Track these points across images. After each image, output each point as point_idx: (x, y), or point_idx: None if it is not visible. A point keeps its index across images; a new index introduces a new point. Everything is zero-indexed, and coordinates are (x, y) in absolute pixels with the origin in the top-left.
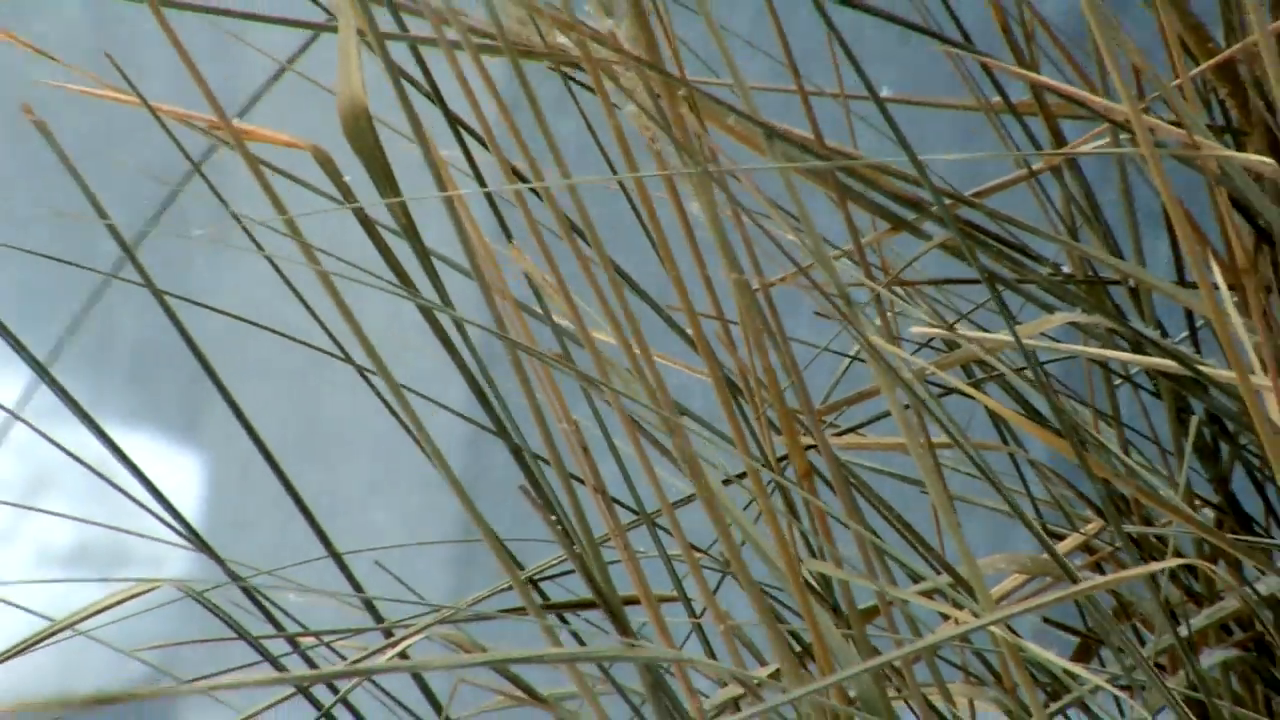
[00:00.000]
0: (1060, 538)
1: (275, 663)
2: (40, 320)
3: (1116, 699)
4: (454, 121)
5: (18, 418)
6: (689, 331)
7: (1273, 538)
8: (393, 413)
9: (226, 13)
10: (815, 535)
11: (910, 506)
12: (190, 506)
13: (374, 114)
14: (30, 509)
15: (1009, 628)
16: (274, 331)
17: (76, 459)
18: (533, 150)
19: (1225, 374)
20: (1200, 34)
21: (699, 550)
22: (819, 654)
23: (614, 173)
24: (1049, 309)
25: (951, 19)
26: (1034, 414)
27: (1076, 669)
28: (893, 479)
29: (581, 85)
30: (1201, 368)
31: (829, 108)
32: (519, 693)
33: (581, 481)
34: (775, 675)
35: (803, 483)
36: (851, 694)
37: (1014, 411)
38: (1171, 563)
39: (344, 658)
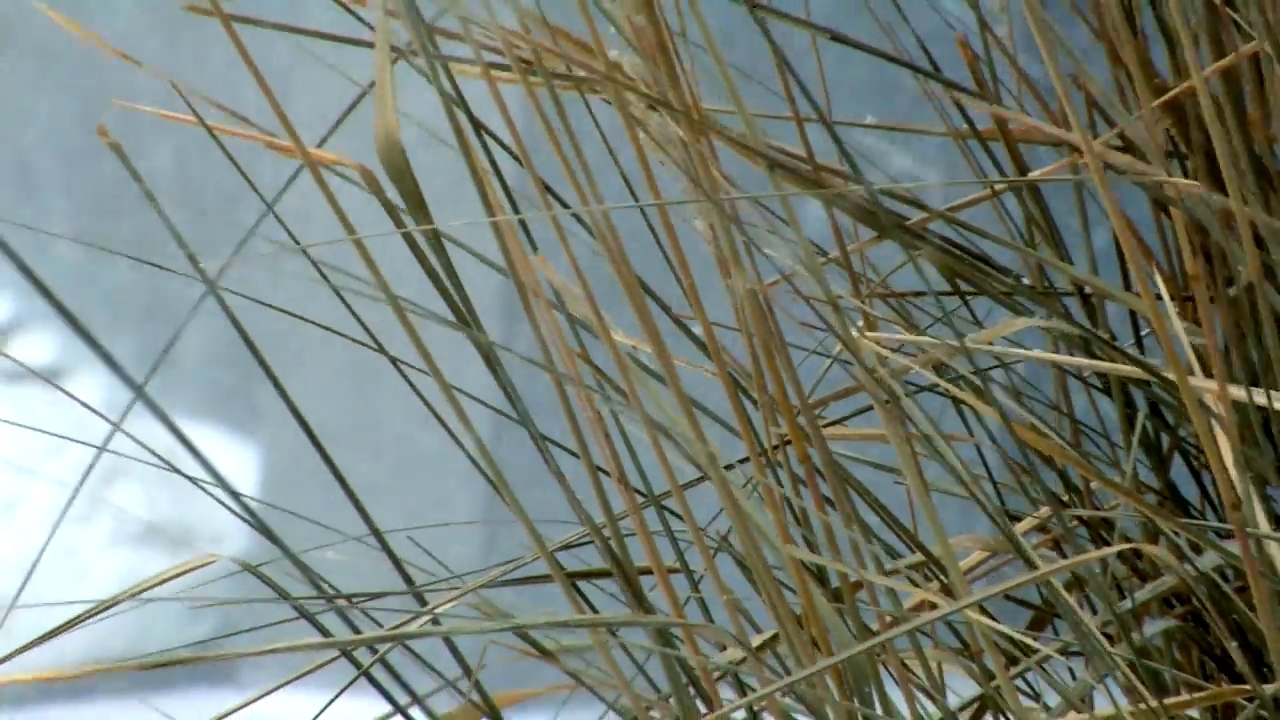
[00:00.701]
0: (1019, 519)
1: (321, 628)
2: (109, 320)
3: (1068, 665)
4: (487, 135)
5: (95, 412)
6: (696, 333)
7: (1207, 520)
8: (430, 409)
9: (302, 30)
10: (802, 517)
11: (885, 492)
12: (248, 490)
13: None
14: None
15: (980, 605)
16: (324, 328)
17: (147, 449)
18: (559, 168)
19: (1168, 371)
20: (1148, 72)
21: (702, 529)
22: (811, 622)
23: (626, 182)
24: (1016, 314)
25: (926, 57)
26: (998, 408)
27: (1033, 638)
28: (871, 467)
29: (603, 101)
30: (1148, 363)
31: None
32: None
33: (605, 472)
34: (771, 641)
35: (802, 464)
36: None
37: (980, 405)
38: (1118, 548)
39: (380, 625)
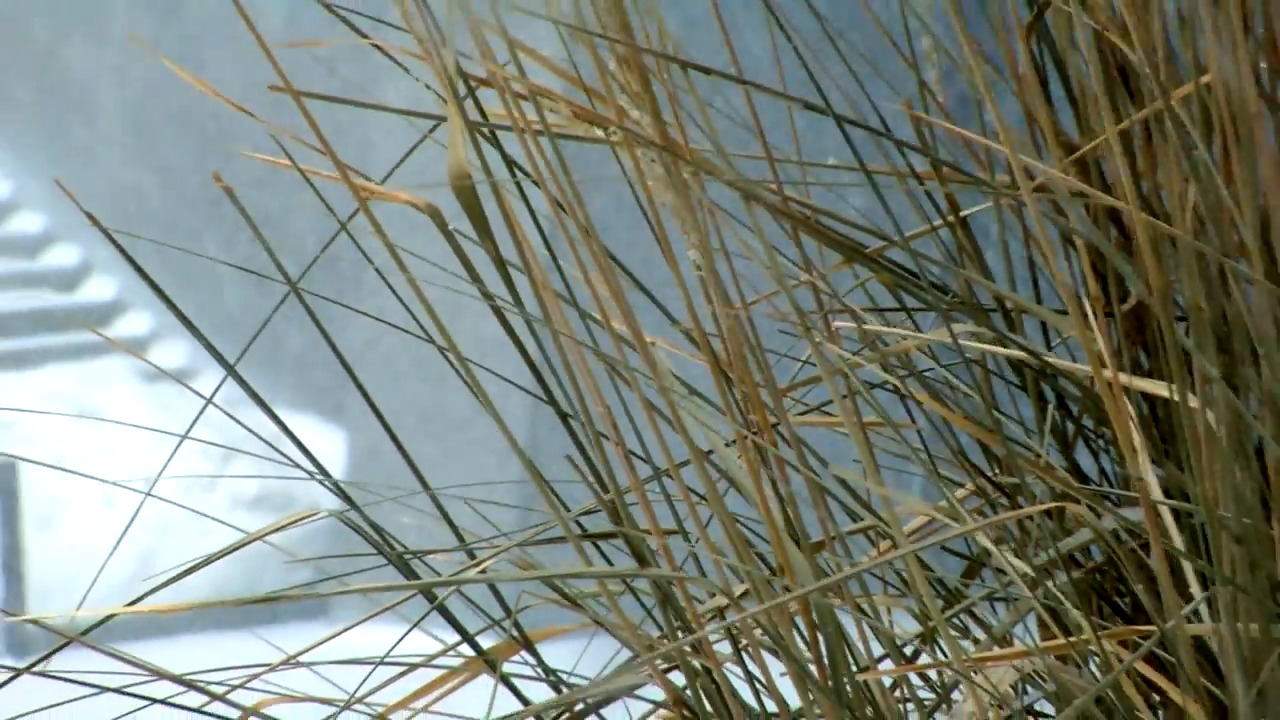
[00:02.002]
0: (959, 486)
1: (409, 572)
2: (226, 332)
3: (994, 607)
4: (518, 168)
5: (214, 404)
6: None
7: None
8: (481, 402)
9: (372, 105)
10: (782, 488)
11: (846, 467)
12: (338, 467)
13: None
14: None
15: (918, 557)
16: (400, 329)
17: (255, 434)
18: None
19: (1074, 366)
20: (1056, 129)
21: (698, 495)
22: (785, 569)
23: (640, 206)
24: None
25: (877, 116)
26: (938, 399)
27: (965, 585)
28: (835, 450)
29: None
30: (1056, 363)
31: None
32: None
33: (615, 443)
34: (749, 593)
35: (770, 444)
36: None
37: (922, 396)
38: (1041, 507)
39: (438, 573)
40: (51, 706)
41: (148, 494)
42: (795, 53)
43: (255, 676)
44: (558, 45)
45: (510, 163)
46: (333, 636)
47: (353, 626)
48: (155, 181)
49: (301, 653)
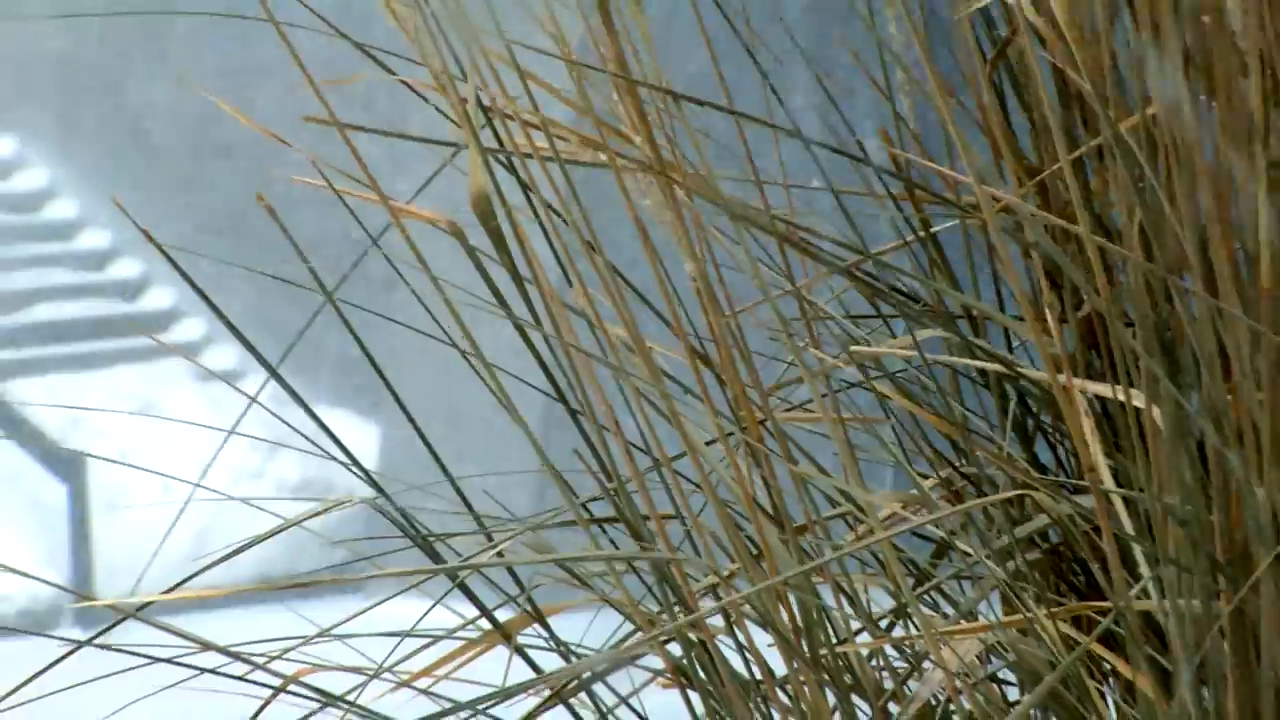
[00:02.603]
0: (928, 476)
1: (433, 554)
2: (271, 337)
3: (960, 585)
4: (540, 197)
5: (260, 404)
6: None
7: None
8: (500, 400)
9: (400, 135)
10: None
11: (826, 460)
12: (371, 459)
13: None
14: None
15: (892, 541)
16: (427, 335)
17: (295, 430)
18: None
19: (1035, 372)
20: (1019, 156)
21: (692, 484)
22: (766, 553)
23: (641, 229)
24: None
25: (855, 139)
26: (910, 397)
27: (934, 566)
28: (816, 444)
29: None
30: (1019, 368)
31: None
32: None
33: (629, 444)
34: (738, 572)
35: (756, 439)
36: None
37: (895, 394)
38: (1004, 495)
39: (460, 554)
40: (112, 675)
41: (199, 483)
42: (772, 87)
43: (294, 649)
44: (567, 79)
45: (524, 185)
46: (364, 611)
47: (382, 602)
48: (206, 201)
49: (335, 626)
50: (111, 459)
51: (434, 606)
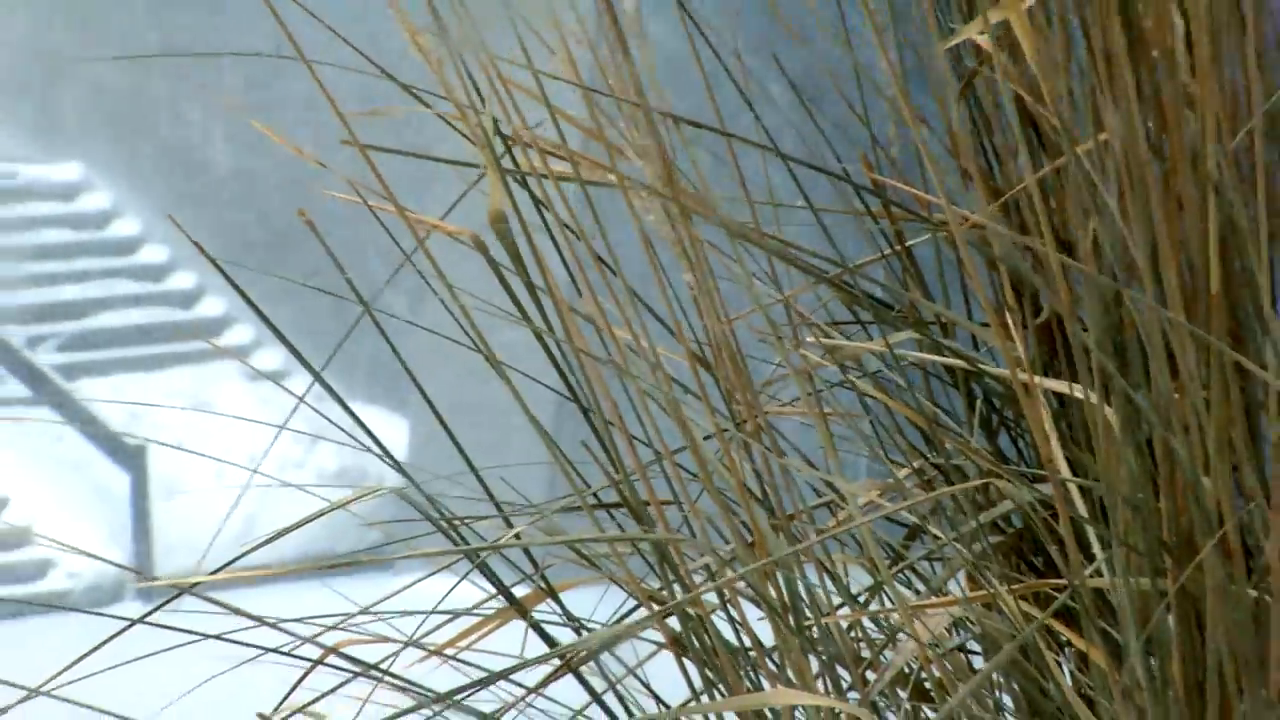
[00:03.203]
0: (902, 466)
1: (454, 534)
2: (313, 341)
3: (931, 565)
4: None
5: (301, 400)
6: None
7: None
8: (517, 398)
9: (429, 157)
10: (764, 469)
11: (810, 451)
12: (401, 450)
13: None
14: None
15: (870, 525)
16: (451, 340)
17: (334, 424)
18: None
19: (997, 370)
20: (986, 177)
21: (690, 474)
22: (757, 536)
23: (647, 243)
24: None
25: (838, 163)
26: (886, 395)
27: (906, 547)
28: (804, 437)
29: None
30: (982, 366)
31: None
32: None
33: (633, 438)
34: (732, 553)
35: (752, 433)
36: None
37: (871, 392)
38: (971, 484)
39: (482, 537)
40: (173, 649)
41: (255, 469)
42: (756, 118)
43: (341, 624)
44: (578, 106)
45: (538, 203)
46: (403, 590)
47: (415, 584)
48: (254, 218)
49: (377, 603)
50: (170, 445)
51: (458, 584)
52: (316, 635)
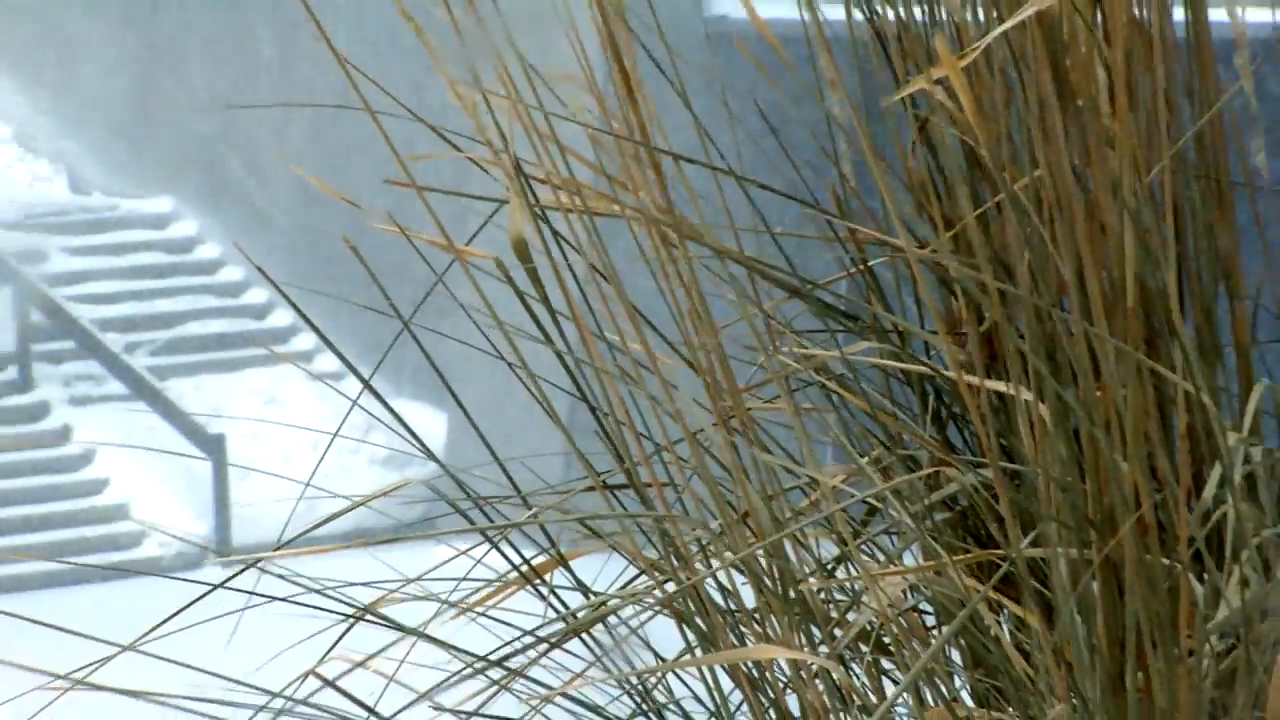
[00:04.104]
0: (863, 456)
1: (483, 511)
2: (363, 347)
3: (890, 539)
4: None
5: (355, 403)
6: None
7: (968, 457)
8: (535, 396)
9: (460, 194)
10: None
11: (786, 442)
12: (440, 441)
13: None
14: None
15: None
16: (478, 349)
17: (382, 422)
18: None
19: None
20: (937, 207)
21: (685, 462)
22: (752, 511)
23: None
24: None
25: (810, 193)
26: (852, 393)
27: (866, 522)
28: (780, 430)
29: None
30: (933, 368)
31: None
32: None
33: (637, 431)
34: (723, 531)
35: (739, 425)
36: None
37: (838, 391)
38: (924, 472)
39: (506, 516)
40: (249, 608)
41: (328, 444)
42: (719, 159)
43: (396, 590)
44: (587, 147)
45: (555, 232)
46: (441, 565)
47: (454, 559)
48: (310, 243)
49: (428, 573)
50: (250, 418)
51: (485, 555)
52: (374, 602)
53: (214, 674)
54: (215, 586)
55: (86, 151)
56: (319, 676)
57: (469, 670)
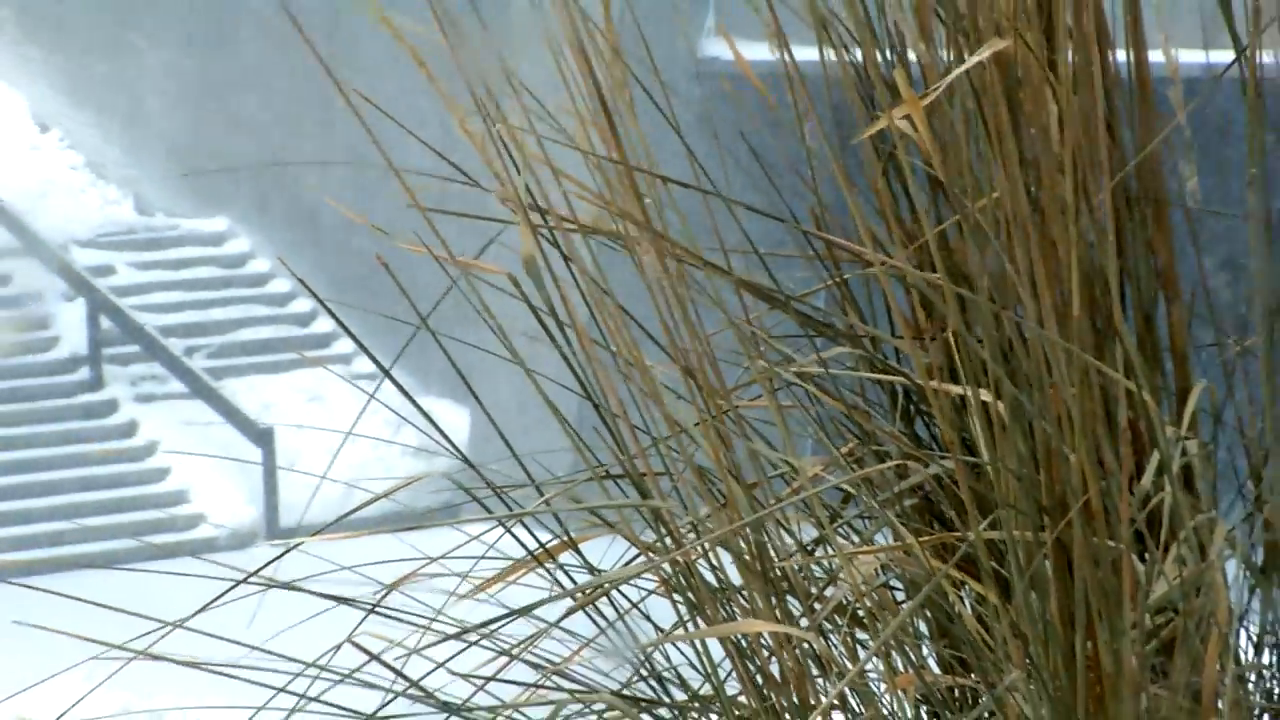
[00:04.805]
0: (839, 448)
1: (501, 498)
2: (394, 351)
3: (864, 521)
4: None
5: (379, 401)
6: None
7: (933, 451)
8: (544, 398)
9: (476, 216)
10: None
11: (770, 435)
12: (463, 436)
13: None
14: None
15: (819, 496)
16: (494, 355)
17: (407, 421)
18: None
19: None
20: (903, 226)
21: (678, 452)
22: (730, 500)
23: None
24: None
25: (791, 213)
26: (827, 393)
27: (842, 509)
28: (764, 425)
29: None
30: (902, 370)
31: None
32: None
33: (634, 426)
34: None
35: (721, 421)
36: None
37: (817, 392)
38: (893, 463)
39: (520, 503)
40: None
41: (343, 441)
42: (727, 182)
43: (419, 570)
44: (586, 173)
45: (563, 253)
46: (461, 545)
47: (473, 540)
48: (342, 259)
49: (449, 553)
50: (293, 424)
51: (500, 538)
52: (398, 582)
53: (252, 647)
54: (260, 568)
55: (150, 178)
56: (355, 644)
57: (484, 640)
